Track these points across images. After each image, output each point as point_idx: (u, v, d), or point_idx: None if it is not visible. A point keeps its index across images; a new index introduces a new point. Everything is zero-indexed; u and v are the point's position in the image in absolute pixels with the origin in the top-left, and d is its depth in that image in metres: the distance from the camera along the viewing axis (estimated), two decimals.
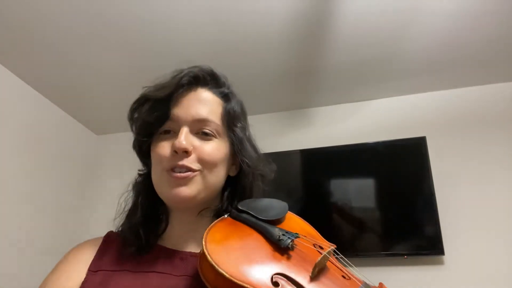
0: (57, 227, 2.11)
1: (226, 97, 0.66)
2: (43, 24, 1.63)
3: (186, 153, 0.58)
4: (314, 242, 0.57)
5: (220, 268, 0.45)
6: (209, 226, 0.54)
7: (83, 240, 0.66)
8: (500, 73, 1.91)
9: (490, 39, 1.67)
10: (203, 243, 0.50)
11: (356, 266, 0.59)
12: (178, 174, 0.57)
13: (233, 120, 0.65)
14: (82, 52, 1.81)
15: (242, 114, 0.68)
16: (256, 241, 0.54)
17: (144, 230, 0.61)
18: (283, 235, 0.53)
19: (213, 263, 0.46)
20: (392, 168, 1.90)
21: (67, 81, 2.02)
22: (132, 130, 0.66)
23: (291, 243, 0.52)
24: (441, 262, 1.71)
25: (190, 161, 0.58)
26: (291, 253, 0.52)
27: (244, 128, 0.68)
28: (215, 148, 0.61)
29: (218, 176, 0.62)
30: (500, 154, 1.83)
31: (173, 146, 0.58)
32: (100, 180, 2.42)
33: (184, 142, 0.57)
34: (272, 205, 0.62)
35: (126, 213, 0.66)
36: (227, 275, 0.45)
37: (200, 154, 0.59)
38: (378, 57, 1.80)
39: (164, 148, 0.59)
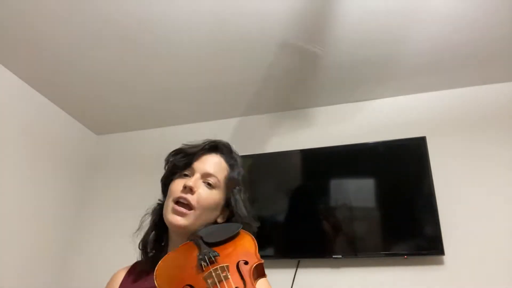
0: (57, 227, 2.11)
1: (231, 166, 0.90)
2: (43, 24, 1.63)
3: (191, 190, 0.80)
4: (230, 261, 0.67)
5: (156, 280, 0.65)
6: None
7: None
8: (500, 73, 1.91)
9: (490, 39, 1.67)
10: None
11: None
12: (179, 208, 0.79)
13: (232, 183, 0.88)
14: (81, 52, 1.81)
15: (242, 182, 0.91)
16: (191, 258, 0.69)
17: (153, 246, 0.84)
18: (204, 255, 0.67)
19: (155, 275, 0.66)
20: (392, 168, 1.90)
21: (67, 81, 2.02)
22: (164, 168, 0.91)
23: (205, 261, 0.66)
24: (441, 262, 1.71)
25: (191, 198, 0.80)
26: (204, 268, 0.65)
27: (241, 191, 0.89)
28: (210, 196, 0.83)
29: (207, 217, 0.83)
30: (500, 154, 1.82)
31: (184, 184, 0.81)
32: (100, 180, 2.41)
33: (191, 183, 0.81)
34: (220, 230, 0.77)
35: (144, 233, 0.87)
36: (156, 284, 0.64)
37: (199, 196, 0.81)
38: (378, 57, 1.80)
39: (178, 184, 0.83)
